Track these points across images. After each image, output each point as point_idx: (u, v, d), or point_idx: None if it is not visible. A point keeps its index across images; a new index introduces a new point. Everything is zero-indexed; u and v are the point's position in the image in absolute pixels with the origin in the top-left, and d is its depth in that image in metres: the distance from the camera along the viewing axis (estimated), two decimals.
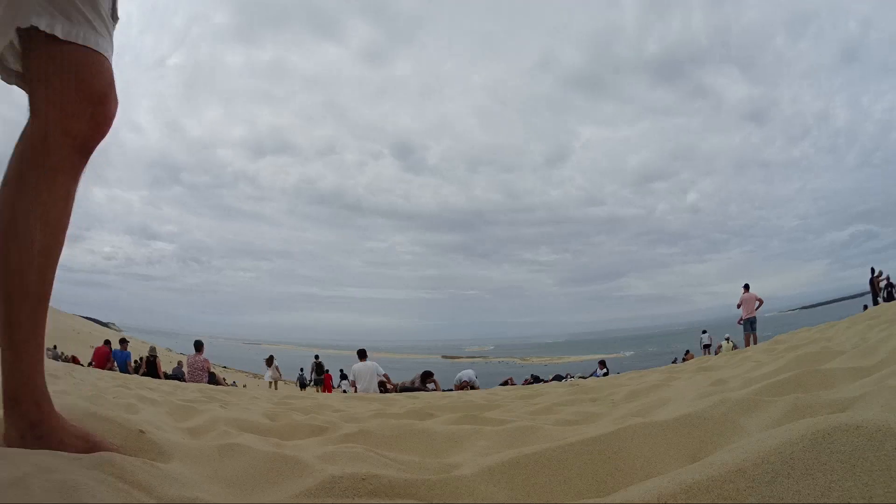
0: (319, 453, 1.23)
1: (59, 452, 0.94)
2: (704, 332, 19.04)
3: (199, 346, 10.02)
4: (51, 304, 1.02)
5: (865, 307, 13.81)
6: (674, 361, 14.06)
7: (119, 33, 1.09)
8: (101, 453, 0.98)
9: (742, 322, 12.34)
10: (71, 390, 2.89)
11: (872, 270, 15.07)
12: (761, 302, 12.59)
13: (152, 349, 12.30)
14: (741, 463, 0.71)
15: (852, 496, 0.63)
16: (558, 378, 13.31)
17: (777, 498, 0.66)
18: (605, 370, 13.66)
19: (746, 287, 12.66)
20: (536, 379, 14.96)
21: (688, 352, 18.15)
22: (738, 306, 12.57)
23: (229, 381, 18.10)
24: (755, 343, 10.94)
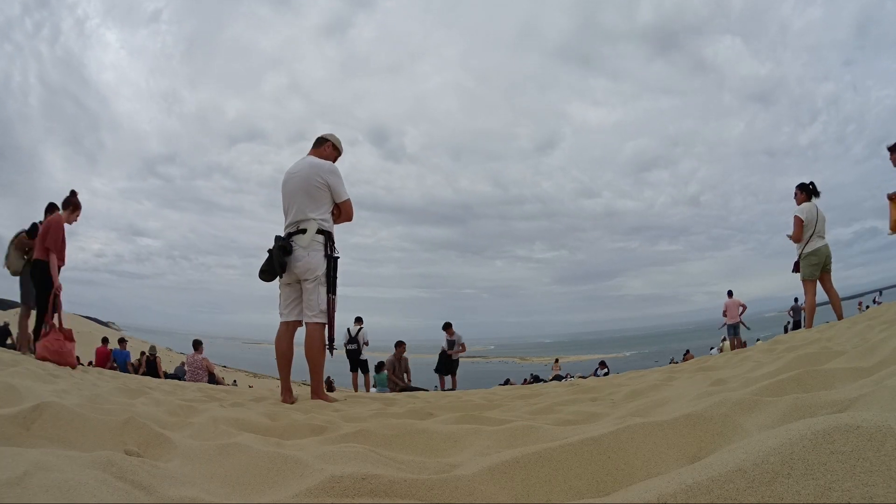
0: (319, 453, 1.23)
1: (58, 451, 0.94)
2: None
3: (197, 344, 10.00)
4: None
5: (866, 307, 13.85)
6: (672, 361, 14.07)
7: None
8: (101, 452, 0.98)
9: (726, 327, 13.12)
10: (71, 390, 2.89)
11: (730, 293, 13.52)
12: (745, 307, 13.20)
13: (152, 348, 12.30)
14: (741, 463, 0.71)
15: (852, 496, 0.63)
16: (558, 378, 13.33)
17: (777, 498, 0.66)
18: (605, 370, 13.69)
19: (730, 293, 13.37)
20: (536, 378, 14.96)
21: (687, 351, 18.13)
22: (724, 313, 13.19)
23: (229, 381, 18.10)
24: (741, 346, 11.50)
